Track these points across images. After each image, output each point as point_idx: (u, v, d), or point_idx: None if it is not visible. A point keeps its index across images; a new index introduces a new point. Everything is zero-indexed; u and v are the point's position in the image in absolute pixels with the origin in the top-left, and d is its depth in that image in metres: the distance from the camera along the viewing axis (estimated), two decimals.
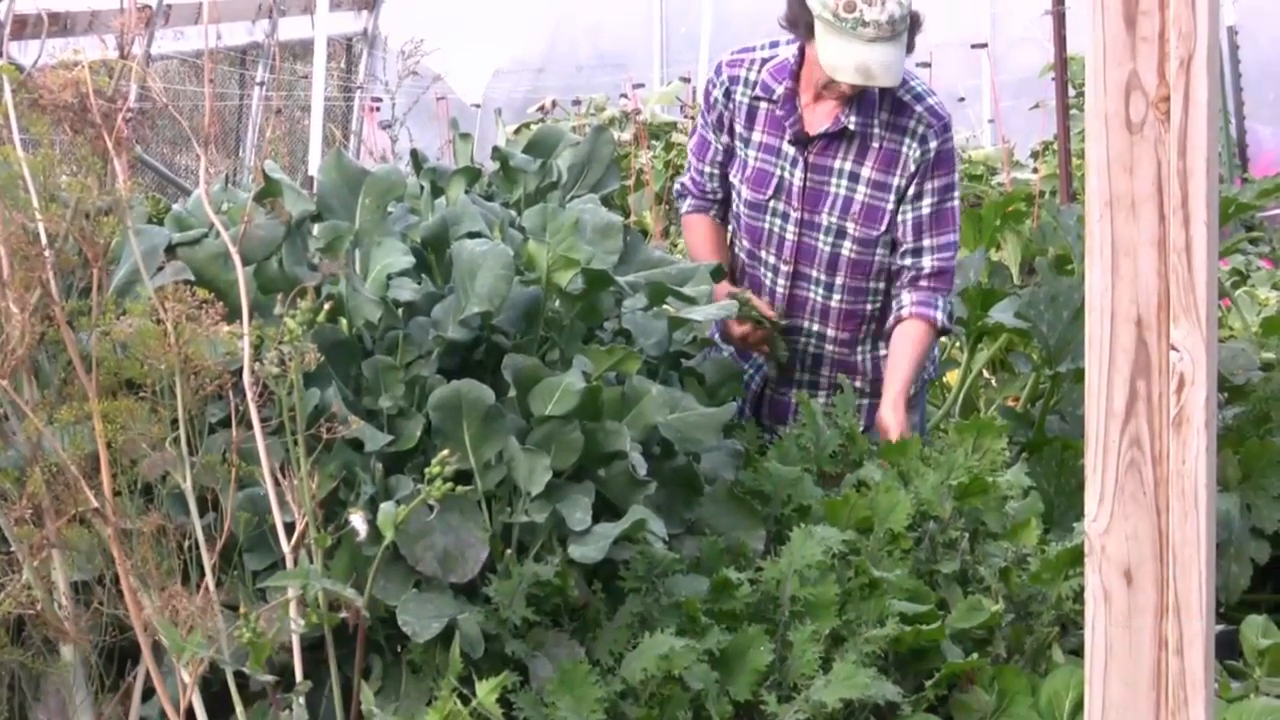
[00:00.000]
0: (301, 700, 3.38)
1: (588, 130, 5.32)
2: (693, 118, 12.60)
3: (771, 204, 5.11)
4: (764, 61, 5.11)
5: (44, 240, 3.49)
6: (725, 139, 5.20)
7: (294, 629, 3.39)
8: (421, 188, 4.86)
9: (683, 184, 5.44)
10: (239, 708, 3.37)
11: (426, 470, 3.34)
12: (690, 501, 4.23)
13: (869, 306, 5.17)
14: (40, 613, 3.46)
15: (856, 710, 3.61)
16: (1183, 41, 2.10)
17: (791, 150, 5.05)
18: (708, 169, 5.28)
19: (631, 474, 3.96)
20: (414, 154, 5.23)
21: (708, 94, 5.27)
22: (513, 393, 3.90)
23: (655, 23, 16.97)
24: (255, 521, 3.58)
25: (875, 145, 4.99)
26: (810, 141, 5.03)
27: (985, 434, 4.61)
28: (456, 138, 5.60)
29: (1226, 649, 4.23)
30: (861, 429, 5.03)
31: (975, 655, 3.80)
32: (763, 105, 5.10)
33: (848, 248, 5.06)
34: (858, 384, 5.22)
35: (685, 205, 5.43)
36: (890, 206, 5.01)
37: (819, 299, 5.16)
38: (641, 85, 14.75)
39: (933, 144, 4.98)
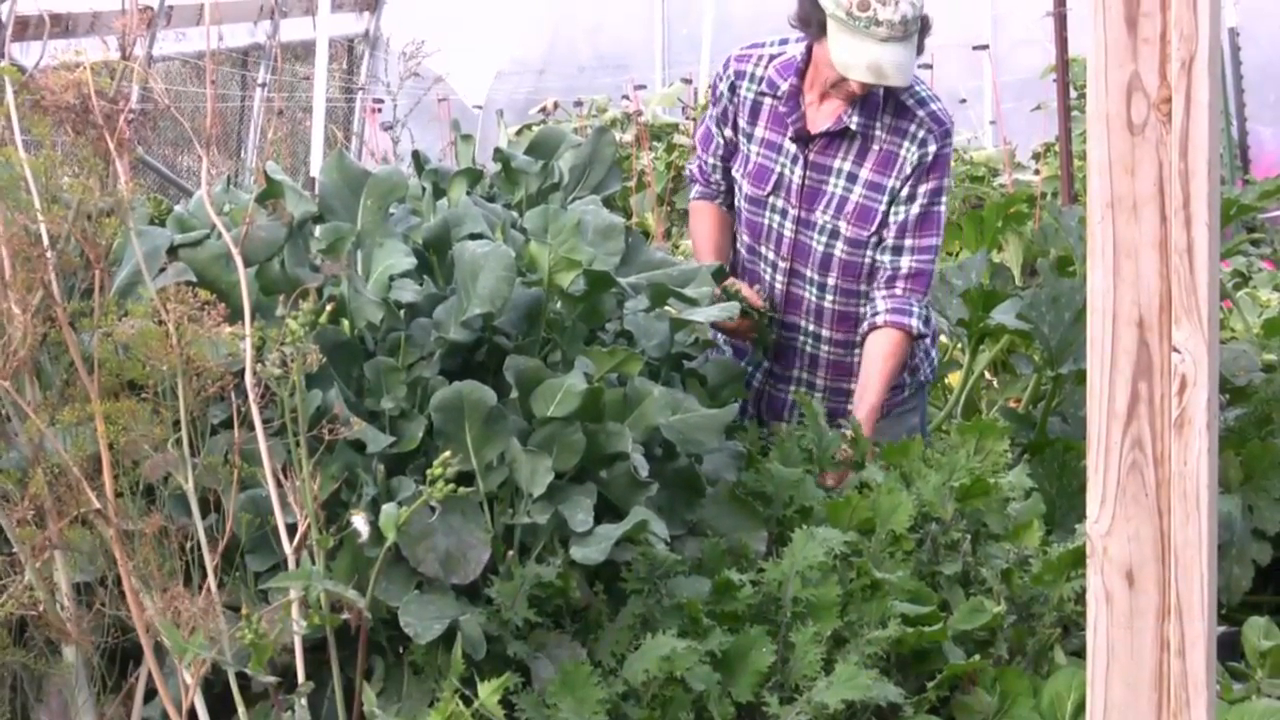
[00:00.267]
0: (304, 701, 3.38)
1: (589, 132, 5.32)
2: (694, 119, 12.61)
3: (771, 200, 5.12)
4: (772, 58, 5.12)
5: (46, 241, 3.49)
6: (729, 132, 5.21)
7: (296, 630, 3.39)
8: (423, 189, 4.86)
9: (691, 170, 5.50)
10: (241, 709, 3.37)
11: (428, 472, 3.34)
12: (692, 503, 4.23)
13: (862, 308, 5.16)
14: (42, 614, 3.46)
15: (858, 711, 3.62)
16: (1184, 43, 2.10)
17: (793, 147, 5.06)
18: (711, 160, 5.31)
19: (633, 475, 3.96)
20: (416, 155, 5.23)
21: (714, 87, 5.30)
22: (515, 394, 3.90)
23: (657, 24, 16.99)
24: (257, 523, 3.58)
25: (875, 147, 5.00)
26: (812, 140, 5.04)
27: (987, 435, 4.61)
28: (458, 139, 5.61)
29: (1228, 650, 4.23)
30: None
31: (977, 657, 3.80)
32: (767, 101, 5.11)
33: (840, 248, 5.07)
34: (852, 387, 5.21)
35: (693, 191, 5.49)
36: (883, 208, 5.02)
37: (813, 298, 5.16)
38: (643, 86, 14.76)
39: (931, 148, 4.98)
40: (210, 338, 3.45)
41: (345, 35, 16.50)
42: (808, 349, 5.24)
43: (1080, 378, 5.44)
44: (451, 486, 3.31)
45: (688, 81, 14.95)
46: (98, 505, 3.37)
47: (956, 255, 7.41)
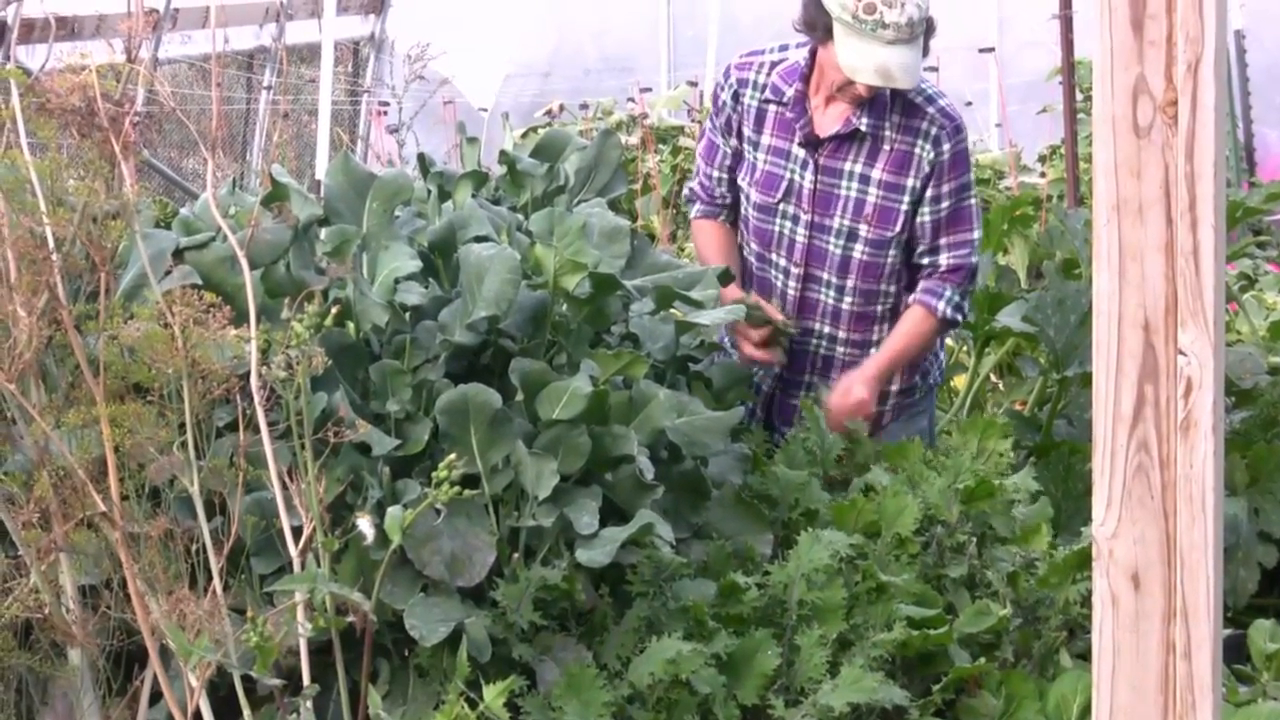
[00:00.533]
0: (309, 704, 3.38)
1: (595, 134, 5.32)
2: (700, 121, 12.59)
3: (781, 207, 5.12)
4: (773, 64, 5.12)
5: (51, 244, 3.49)
6: (734, 143, 5.20)
7: (301, 633, 3.39)
8: (429, 191, 4.86)
9: (691, 189, 5.44)
10: (246, 711, 3.37)
11: (434, 474, 3.34)
12: (697, 505, 4.23)
13: (880, 308, 5.17)
14: (48, 616, 3.46)
15: (864, 714, 3.61)
16: (1190, 45, 2.10)
17: (801, 153, 5.06)
18: (716, 173, 5.28)
19: (639, 478, 3.97)
20: (421, 158, 5.23)
21: (716, 97, 5.28)
22: (520, 397, 3.90)
23: (662, 26, 16.97)
24: (262, 525, 3.59)
25: (886, 147, 5.00)
26: (821, 144, 5.03)
27: (989, 434, 4.61)
28: (463, 141, 5.61)
29: (1234, 653, 4.23)
30: (867, 433, 5.04)
31: (983, 659, 3.80)
32: (772, 108, 5.10)
33: (859, 250, 5.07)
34: None
35: (694, 210, 5.43)
36: (905, 208, 5.02)
37: (830, 301, 5.16)
38: (649, 89, 14.75)
39: (946, 146, 4.98)
40: (215, 340, 3.45)
41: (350, 38, 16.51)
42: (821, 352, 5.24)
43: (1086, 380, 5.43)
44: (457, 489, 3.31)
45: (693, 84, 14.94)
46: (103, 508, 3.37)
47: None
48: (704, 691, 3.55)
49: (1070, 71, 8.63)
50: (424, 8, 16.38)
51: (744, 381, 4.87)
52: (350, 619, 3.41)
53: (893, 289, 5.16)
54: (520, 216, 4.67)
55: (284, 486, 3.43)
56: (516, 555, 3.74)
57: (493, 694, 3.31)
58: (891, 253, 5.08)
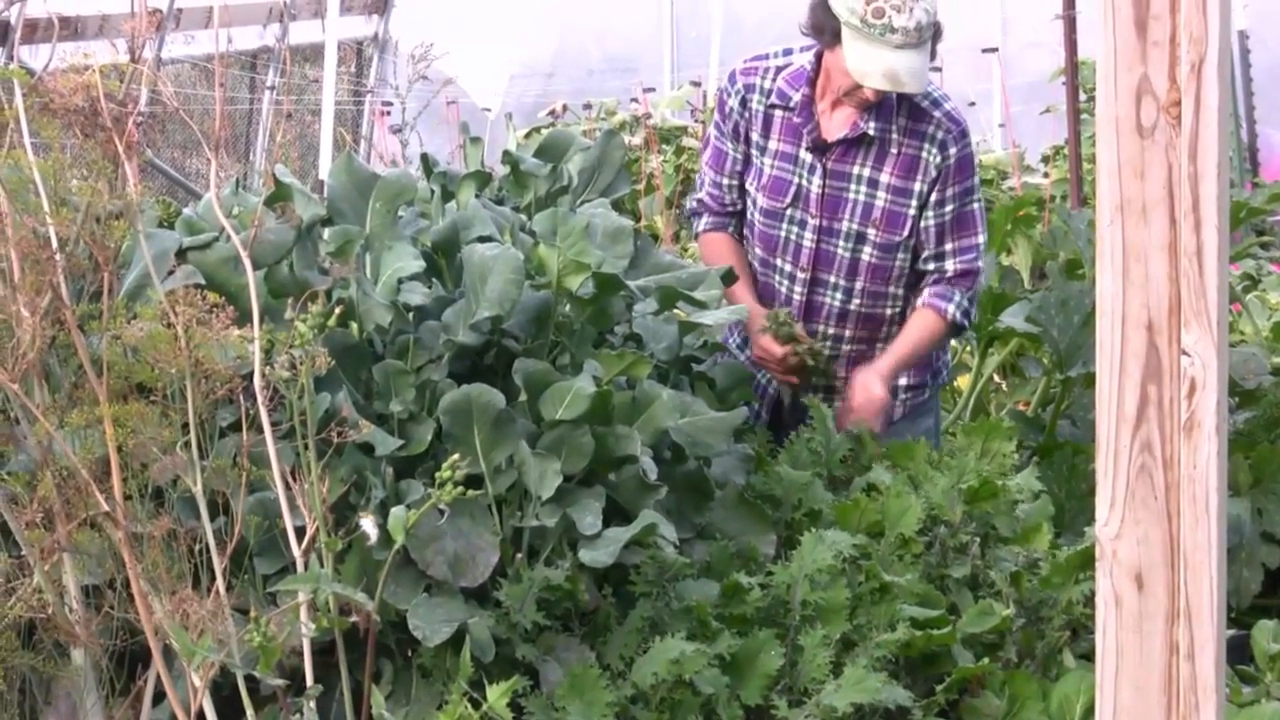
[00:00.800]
0: (312, 704, 3.38)
1: (598, 134, 5.32)
2: (703, 121, 12.60)
3: (789, 212, 5.11)
4: (779, 69, 5.11)
5: (55, 244, 3.49)
6: (742, 148, 5.19)
7: (304, 633, 3.39)
8: (432, 192, 4.86)
9: (698, 201, 5.39)
10: (249, 711, 3.37)
11: (437, 474, 3.34)
12: (701, 506, 4.23)
13: (888, 310, 5.18)
14: (51, 616, 3.46)
15: (867, 714, 3.61)
16: (1193, 46, 2.10)
17: (809, 157, 5.05)
18: (726, 180, 5.26)
19: (642, 478, 3.97)
20: (424, 158, 5.23)
21: (722, 104, 5.26)
22: (523, 397, 3.90)
23: (665, 26, 16.97)
24: (266, 525, 3.59)
25: (894, 151, 5.00)
26: (828, 148, 5.03)
27: (994, 436, 4.61)
28: (467, 142, 5.60)
29: (1238, 654, 4.23)
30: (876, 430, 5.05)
31: (986, 660, 3.80)
32: (779, 113, 5.10)
33: (868, 253, 5.07)
34: None
35: (701, 224, 5.38)
36: (912, 212, 5.02)
37: (837, 304, 5.16)
38: (652, 89, 14.75)
39: (952, 150, 4.99)
40: (219, 340, 3.45)
41: (354, 38, 16.51)
42: (826, 351, 5.23)
43: (1089, 381, 5.43)
44: (460, 489, 3.31)
45: (696, 84, 14.94)
46: (106, 508, 3.37)
47: None
48: (707, 692, 3.55)
49: (1073, 72, 8.63)
50: (427, 8, 16.39)
51: (747, 382, 4.87)
52: (353, 619, 3.41)
53: (900, 291, 5.16)
54: (524, 217, 4.67)
55: (287, 487, 3.43)
56: (520, 555, 3.74)
57: (496, 694, 3.31)
58: (899, 256, 5.08)
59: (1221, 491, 2.18)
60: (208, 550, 3.45)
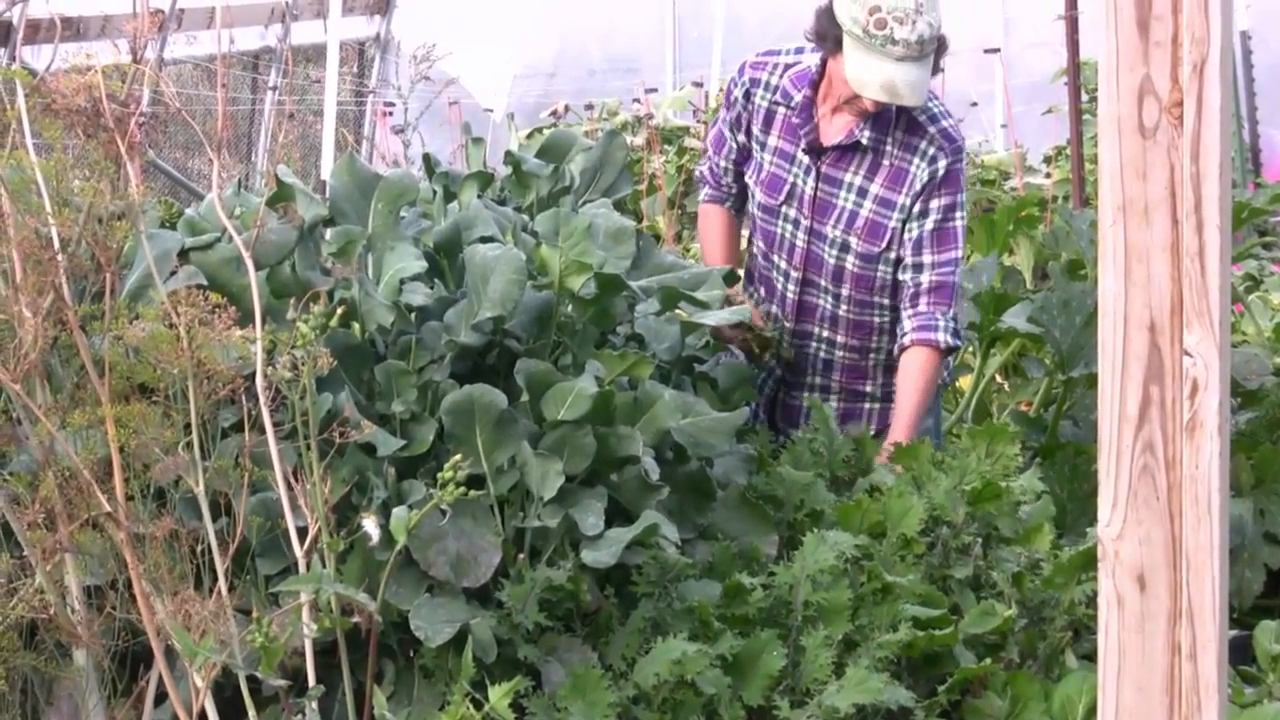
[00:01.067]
0: (314, 705, 3.38)
1: (600, 135, 5.33)
2: (705, 122, 12.61)
3: (784, 209, 5.13)
4: (787, 67, 5.12)
5: (57, 245, 3.50)
6: (742, 138, 5.22)
7: (306, 633, 3.39)
8: (434, 192, 4.86)
9: (701, 172, 5.50)
10: (251, 712, 3.37)
11: (439, 475, 3.34)
12: (702, 506, 4.23)
13: (876, 319, 5.17)
14: (53, 617, 3.46)
15: (869, 715, 3.61)
16: (1195, 46, 2.10)
17: (805, 158, 5.06)
18: (723, 163, 5.32)
19: (644, 479, 3.97)
20: (426, 158, 5.23)
21: (728, 92, 5.30)
22: (525, 397, 3.90)
23: (668, 27, 16.98)
24: (268, 526, 3.59)
25: (886, 163, 5.00)
26: (824, 152, 5.04)
27: (998, 439, 4.61)
28: (469, 142, 5.61)
29: (1240, 654, 4.22)
30: (872, 435, 5.05)
31: (988, 660, 3.80)
32: (780, 110, 5.11)
33: (851, 261, 5.07)
34: (867, 389, 5.26)
35: (702, 194, 5.50)
36: (894, 225, 5.02)
37: (827, 307, 5.17)
38: (654, 90, 14.76)
39: (941, 164, 4.98)
40: (221, 341, 3.45)
41: (356, 38, 16.51)
42: (821, 354, 5.25)
43: (1091, 381, 5.43)
44: (462, 490, 3.31)
45: (699, 85, 14.94)
46: (108, 508, 3.37)
47: (968, 259, 7.39)
48: (709, 692, 3.55)
49: (1075, 72, 8.63)
50: (429, 8, 16.39)
51: (749, 382, 4.87)
52: (355, 620, 3.41)
53: (887, 301, 5.15)
54: (525, 217, 4.67)
55: (289, 487, 3.44)
56: (522, 556, 3.74)
57: (498, 695, 3.30)
58: (882, 268, 5.08)
59: (1224, 492, 2.18)
60: (210, 551, 3.45)
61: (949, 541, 4.19)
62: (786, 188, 5.11)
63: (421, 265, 4.08)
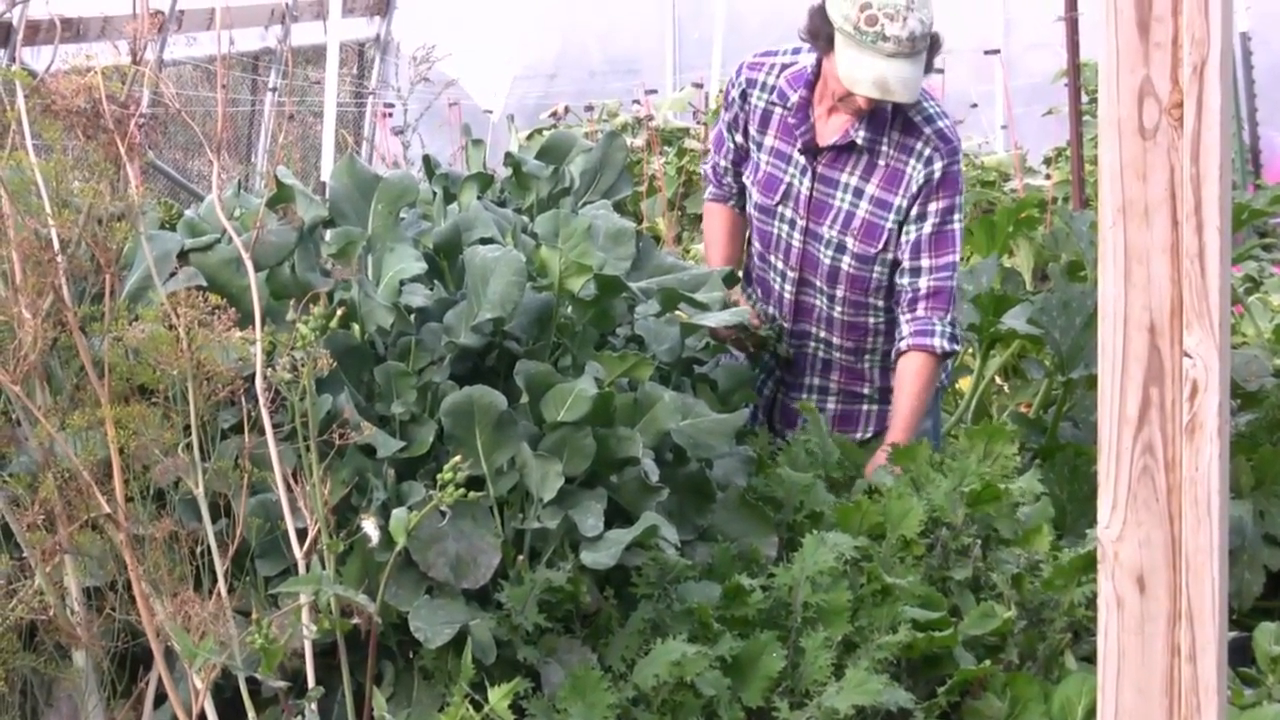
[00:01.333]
0: (314, 706, 3.38)
1: (600, 136, 5.33)
2: (705, 124, 12.62)
3: (780, 209, 5.13)
4: (784, 67, 5.12)
5: (56, 246, 3.50)
6: (740, 139, 5.22)
7: (306, 635, 3.39)
8: (434, 193, 4.87)
9: (705, 170, 5.54)
10: (251, 714, 3.37)
11: (439, 476, 3.34)
12: (702, 508, 4.23)
13: (871, 320, 5.17)
14: (53, 618, 3.46)
15: (869, 717, 3.61)
16: (1196, 47, 2.10)
17: (801, 159, 5.06)
18: (723, 163, 5.34)
19: (644, 480, 3.97)
20: (426, 160, 5.23)
21: (727, 93, 5.32)
22: (525, 399, 3.90)
23: (668, 28, 16.97)
24: (267, 527, 3.59)
25: (881, 163, 5.00)
26: (820, 152, 5.04)
27: (996, 439, 4.61)
28: (469, 143, 5.61)
29: (1239, 656, 4.22)
30: (869, 435, 5.05)
31: (987, 662, 3.80)
32: (777, 111, 5.11)
33: (847, 262, 5.07)
34: (865, 390, 5.26)
35: (707, 192, 5.53)
36: (890, 225, 5.01)
37: (823, 307, 5.17)
38: (654, 91, 14.75)
39: (937, 166, 4.97)
40: (220, 342, 3.46)
41: (356, 40, 16.51)
42: (820, 354, 5.25)
43: (1091, 383, 5.43)
44: (462, 491, 3.31)
45: (699, 86, 14.94)
46: (108, 510, 3.37)
47: (968, 260, 7.39)
48: (709, 694, 3.55)
49: (1076, 73, 8.62)
50: (429, 9, 16.39)
51: (748, 384, 4.87)
52: (355, 621, 3.41)
53: (882, 303, 5.15)
54: (525, 218, 4.67)
55: (289, 489, 3.44)
56: (521, 557, 3.74)
57: (497, 696, 3.30)
58: (877, 269, 5.07)
59: (1223, 494, 2.18)
60: (209, 552, 3.45)
61: (948, 543, 4.19)
62: (783, 188, 5.11)
63: (421, 267, 4.08)
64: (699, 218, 5.72)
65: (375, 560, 3.51)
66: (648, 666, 3.55)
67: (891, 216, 5.00)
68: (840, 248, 5.06)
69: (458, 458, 3.41)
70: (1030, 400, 6.45)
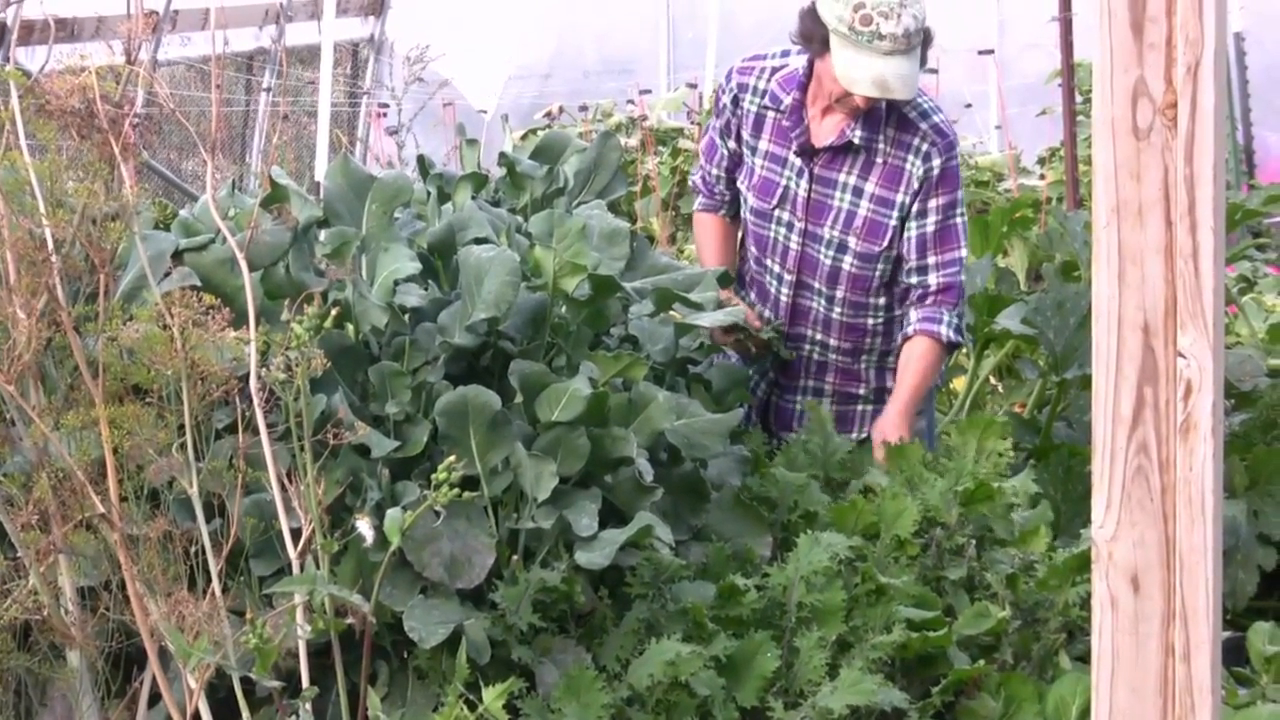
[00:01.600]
0: (308, 706, 3.38)
1: (594, 136, 5.33)
2: (699, 124, 12.61)
3: (776, 213, 5.12)
4: (774, 71, 5.11)
5: (51, 245, 3.49)
6: (733, 145, 5.21)
7: (300, 635, 3.39)
8: (428, 193, 4.86)
9: (694, 180, 5.50)
10: (245, 713, 3.37)
11: (433, 476, 3.34)
12: (697, 508, 4.23)
13: (870, 321, 5.17)
14: (47, 618, 3.46)
15: (863, 716, 3.61)
16: (1190, 48, 2.10)
17: (797, 161, 5.05)
18: (715, 171, 5.30)
19: (638, 480, 3.97)
20: (421, 160, 5.23)
21: (718, 99, 5.29)
22: (519, 399, 3.90)
23: (662, 28, 16.96)
24: (261, 527, 3.58)
25: (879, 161, 4.99)
26: (816, 154, 5.03)
27: (988, 433, 4.61)
28: (463, 143, 5.61)
29: (1233, 656, 4.23)
30: (864, 436, 5.05)
31: (982, 662, 3.80)
32: (770, 114, 5.10)
33: (849, 262, 5.06)
34: (860, 391, 5.26)
35: (696, 202, 5.48)
36: (893, 223, 5.01)
37: (821, 309, 5.16)
38: (648, 91, 14.75)
39: (936, 162, 4.97)
40: (215, 342, 3.46)
41: (350, 40, 16.49)
42: (815, 356, 5.25)
43: (1085, 383, 5.43)
44: (456, 491, 3.31)
45: (693, 86, 14.93)
46: (102, 509, 3.37)
47: None
48: (703, 693, 3.55)
49: (1070, 74, 8.62)
50: (424, 9, 16.37)
51: (743, 384, 4.87)
52: (349, 621, 3.41)
53: (882, 302, 5.15)
54: (520, 218, 4.67)
55: (283, 488, 3.43)
56: (516, 557, 3.74)
57: (492, 696, 3.31)
58: (879, 267, 5.07)
59: (1217, 493, 2.18)
60: (204, 552, 3.45)
61: (943, 543, 4.19)
62: (779, 191, 5.10)
63: (416, 267, 4.08)
64: (692, 218, 5.68)
65: (370, 560, 3.51)
66: (642, 666, 3.55)
67: (895, 214, 5.00)
68: (841, 248, 5.05)
69: (452, 458, 3.41)
70: (1025, 400, 6.46)
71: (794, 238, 5.10)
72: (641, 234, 5.51)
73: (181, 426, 3.46)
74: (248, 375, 3.47)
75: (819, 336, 5.20)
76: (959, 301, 5.08)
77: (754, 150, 5.15)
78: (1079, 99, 9.48)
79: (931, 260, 5.02)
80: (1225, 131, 2.19)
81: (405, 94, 13.15)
